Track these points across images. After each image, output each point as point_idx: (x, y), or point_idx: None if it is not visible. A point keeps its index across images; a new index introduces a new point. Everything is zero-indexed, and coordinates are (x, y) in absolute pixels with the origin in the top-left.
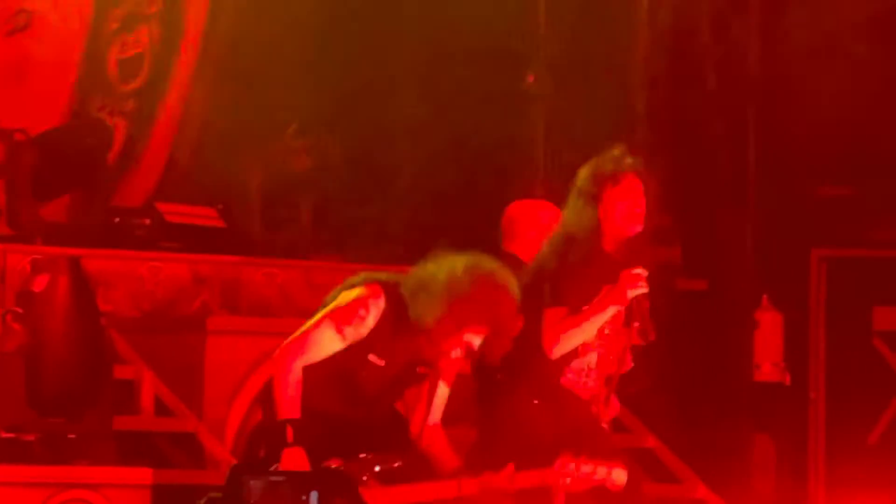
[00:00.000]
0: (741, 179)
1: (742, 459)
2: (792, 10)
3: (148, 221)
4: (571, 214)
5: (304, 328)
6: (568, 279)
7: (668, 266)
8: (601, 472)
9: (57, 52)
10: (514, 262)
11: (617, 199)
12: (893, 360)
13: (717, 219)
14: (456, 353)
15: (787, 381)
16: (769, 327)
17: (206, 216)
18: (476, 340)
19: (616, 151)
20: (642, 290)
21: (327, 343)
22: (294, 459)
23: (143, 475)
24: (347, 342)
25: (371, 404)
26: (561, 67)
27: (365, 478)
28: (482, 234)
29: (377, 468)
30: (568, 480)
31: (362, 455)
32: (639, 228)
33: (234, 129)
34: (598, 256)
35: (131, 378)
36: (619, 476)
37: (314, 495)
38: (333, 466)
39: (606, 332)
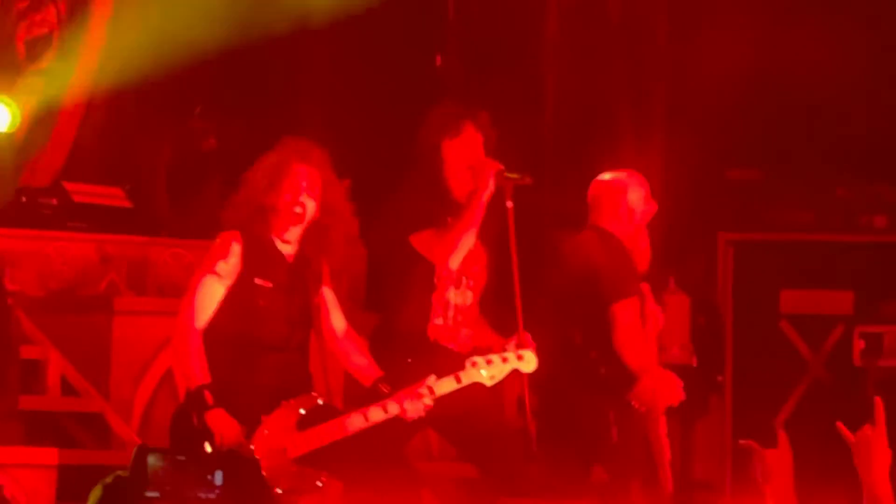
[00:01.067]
0: (648, 162)
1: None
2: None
3: (55, 201)
4: (414, 164)
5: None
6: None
7: None
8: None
9: None
10: (603, 235)
11: (457, 148)
12: (800, 343)
13: None
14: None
15: (695, 363)
16: (676, 310)
17: (113, 196)
18: (309, 204)
19: (453, 105)
20: (509, 174)
21: (209, 289)
22: (218, 421)
23: (49, 455)
24: (226, 279)
25: (289, 332)
26: (469, 50)
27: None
28: None
29: (303, 410)
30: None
31: (285, 402)
32: (486, 182)
33: (142, 109)
34: (445, 202)
35: (37, 358)
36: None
37: (219, 474)
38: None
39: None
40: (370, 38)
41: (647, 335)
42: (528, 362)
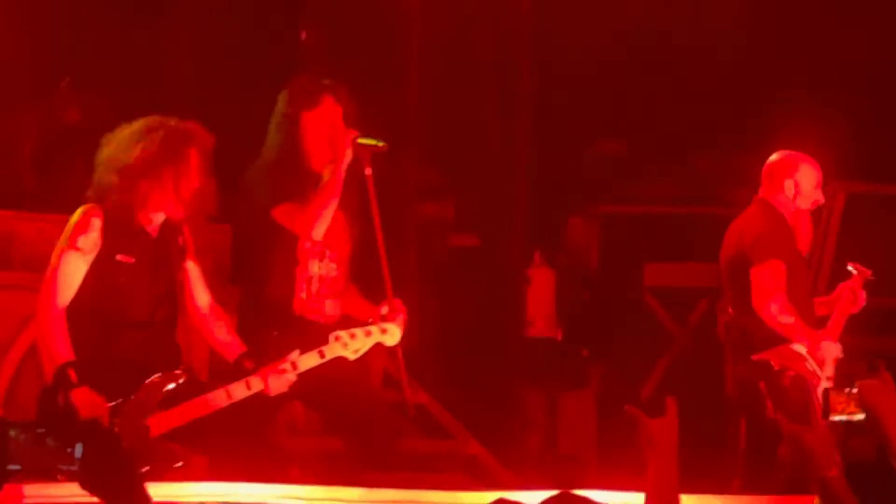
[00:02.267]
0: (515, 135)
1: (514, 415)
2: None
3: None
4: (273, 136)
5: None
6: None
7: (439, 222)
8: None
9: None
10: (765, 207)
11: (316, 120)
12: (664, 315)
13: (490, 174)
14: None
15: (560, 336)
16: (542, 284)
17: None
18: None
19: (310, 77)
20: (365, 140)
21: (71, 265)
22: (83, 398)
23: None
24: (87, 253)
25: (153, 308)
26: (334, 24)
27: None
28: None
29: (168, 387)
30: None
31: (147, 380)
32: (343, 151)
33: (7, 82)
34: (305, 174)
35: None
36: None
37: (79, 447)
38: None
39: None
40: (235, 11)
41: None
42: (392, 335)
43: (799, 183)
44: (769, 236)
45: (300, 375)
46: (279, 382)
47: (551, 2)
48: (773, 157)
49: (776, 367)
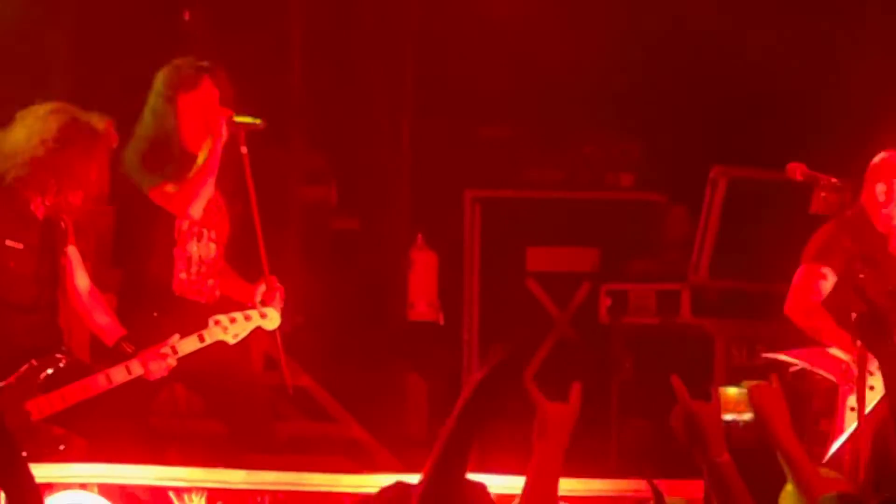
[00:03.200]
0: (397, 118)
1: (396, 399)
2: None
3: None
4: (149, 117)
5: None
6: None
7: (321, 205)
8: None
9: None
10: (856, 211)
11: (193, 102)
12: (546, 299)
13: (372, 158)
14: None
15: (441, 320)
16: (423, 267)
17: None
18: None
19: (188, 60)
20: (239, 118)
21: None
22: None
23: None
24: None
25: (38, 293)
26: (218, 6)
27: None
28: None
29: (48, 371)
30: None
31: (28, 364)
32: (219, 130)
33: None
34: (181, 155)
35: None
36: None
37: None
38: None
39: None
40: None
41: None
42: (272, 320)
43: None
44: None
45: (181, 358)
46: (159, 367)
47: None
48: (876, 158)
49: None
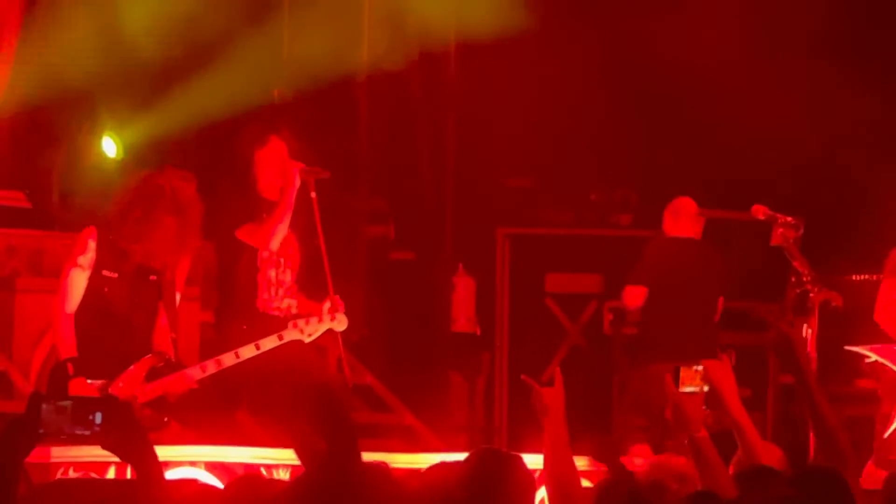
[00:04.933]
0: (442, 171)
1: (441, 394)
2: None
3: None
4: (232, 172)
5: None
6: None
7: (382, 240)
8: None
9: None
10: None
11: (265, 157)
12: (561, 315)
13: (423, 202)
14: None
15: (478, 332)
16: (464, 290)
17: (16, 198)
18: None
19: (261, 123)
20: (309, 169)
21: (75, 279)
22: (79, 387)
23: None
24: (86, 269)
25: (128, 315)
26: (301, 84)
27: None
28: None
29: (150, 368)
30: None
31: (138, 361)
32: (291, 179)
33: (39, 126)
34: (260, 200)
35: None
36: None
37: (98, 415)
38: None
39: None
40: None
41: None
42: (340, 322)
43: None
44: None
45: (276, 363)
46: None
47: (472, 67)
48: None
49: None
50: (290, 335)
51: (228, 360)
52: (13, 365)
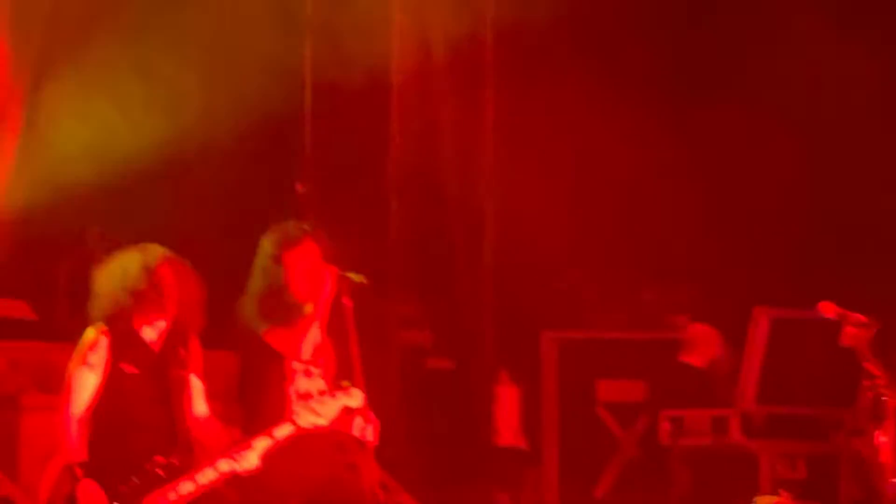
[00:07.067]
0: (480, 270)
1: None
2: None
3: None
4: (259, 273)
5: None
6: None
7: (418, 348)
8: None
9: None
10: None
11: (296, 258)
12: (614, 425)
13: (462, 307)
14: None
15: (526, 445)
16: (508, 399)
17: (19, 309)
18: (151, 334)
19: (292, 223)
20: (346, 275)
21: (83, 380)
22: (87, 492)
23: None
24: (97, 368)
25: (153, 412)
26: (325, 177)
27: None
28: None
29: (160, 470)
30: None
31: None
32: (325, 285)
33: (44, 232)
34: (290, 304)
35: None
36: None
37: None
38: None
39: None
40: (239, 168)
41: None
42: (355, 396)
43: None
44: None
45: (307, 484)
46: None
47: (511, 156)
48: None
49: None
50: (305, 419)
51: (225, 466)
52: (19, 489)
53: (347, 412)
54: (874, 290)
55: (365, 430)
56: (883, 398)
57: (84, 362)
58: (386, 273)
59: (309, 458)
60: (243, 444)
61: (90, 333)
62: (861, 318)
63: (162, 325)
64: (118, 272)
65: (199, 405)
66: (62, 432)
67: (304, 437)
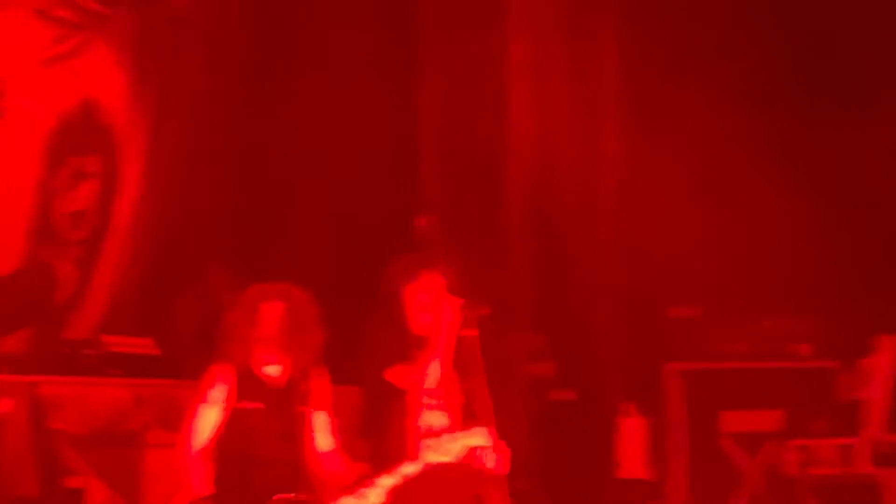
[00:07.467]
0: (604, 304)
1: None
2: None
3: (94, 351)
4: (378, 312)
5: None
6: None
7: (542, 379)
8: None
9: (9, 206)
10: None
11: (416, 291)
12: (738, 456)
13: (584, 338)
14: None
15: (650, 477)
16: (633, 431)
17: (144, 345)
18: (272, 370)
19: (411, 255)
20: (469, 306)
21: (205, 416)
22: None
23: None
24: (218, 405)
25: (277, 448)
26: (446, 210)
27: None
28: None
29: None
30: None
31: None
32: (449, 317)
33: (167, 270)
34: (411, 338)
35: (80, 487)
36: None
37: None
38: None
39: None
40: (360, 201)
41: None
42: (479, 435)
43: None
44: None
45: None
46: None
47: (633, 185)
48: None
49: None
50: (430, 457)
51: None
52: None
53: (473, 449)
54: None
55: (495, 460)
56: None
57: (204, 399)
58: (509, 304)
59: (435, 491)
60: (367, 481)
61: (212, 370)
62: None
63: (284, 361)
64: (239, 310)
65: (322, 440)
66: (184, 468)
67: (429, 471)
